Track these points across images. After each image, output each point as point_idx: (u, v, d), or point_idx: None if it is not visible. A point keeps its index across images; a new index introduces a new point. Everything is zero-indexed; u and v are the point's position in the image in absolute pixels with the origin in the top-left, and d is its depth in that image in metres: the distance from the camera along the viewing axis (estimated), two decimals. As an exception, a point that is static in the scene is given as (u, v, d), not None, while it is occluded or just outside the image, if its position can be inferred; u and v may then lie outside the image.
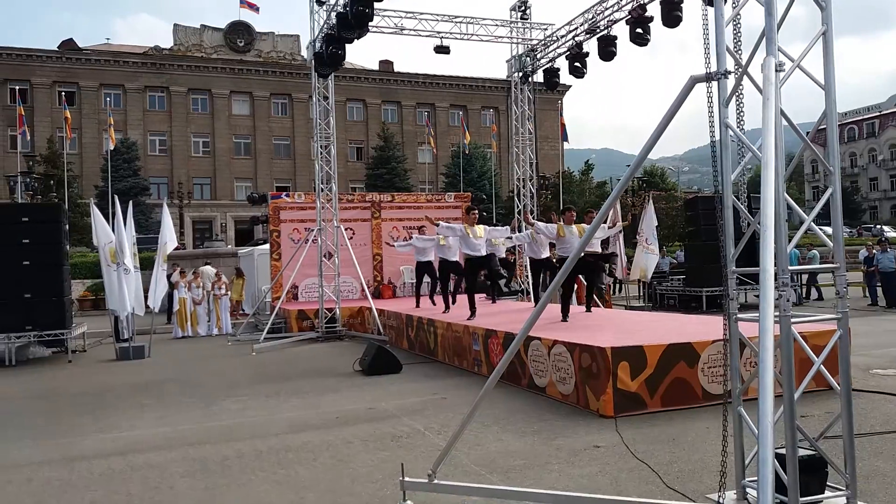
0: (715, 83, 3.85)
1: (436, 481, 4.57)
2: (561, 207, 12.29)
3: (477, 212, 12.08)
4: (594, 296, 12.07)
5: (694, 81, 3.85)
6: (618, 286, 23.68)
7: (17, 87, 44.98)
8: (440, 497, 4.63)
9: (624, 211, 25.64)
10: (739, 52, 3.88)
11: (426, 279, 14.44)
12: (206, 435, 6.73)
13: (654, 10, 13.38)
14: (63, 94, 41.96)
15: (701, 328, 8.46)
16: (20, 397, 9.45)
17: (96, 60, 51.42)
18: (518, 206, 18.16)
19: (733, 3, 3.91)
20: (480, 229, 11.59)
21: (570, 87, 55.87)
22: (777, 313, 3.52)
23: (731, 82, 3.87)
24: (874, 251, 18.58)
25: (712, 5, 3.85)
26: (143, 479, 5.39)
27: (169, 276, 16.31)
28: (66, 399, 9.13)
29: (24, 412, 8.33)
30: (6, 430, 7.32)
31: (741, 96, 3.91)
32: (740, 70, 3.82)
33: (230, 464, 5.70)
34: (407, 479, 4.60)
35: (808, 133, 3.73)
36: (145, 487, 5.17)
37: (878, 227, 51.30)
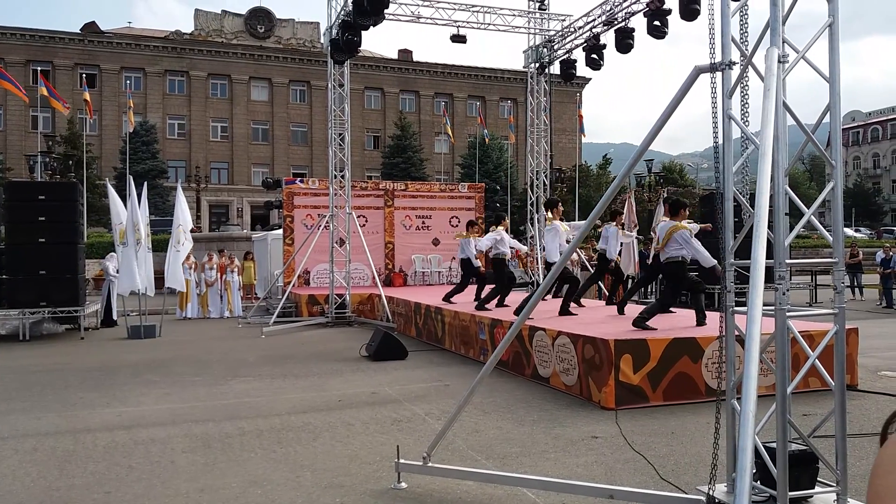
0: (719, 74, 3.83)
1: (430, 464, 4.61)
2: (552, 199, 12.24)
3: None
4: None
5: (698, 72, 3.83)
6: (629, 282, 23.56)
7: (40, 69, 45.41)
8: (434, 480, 4.67)
9: (639, 206, 25.49)
10: (746, 43, 3.84)
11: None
12: (210, 413, 6.82)
13: (672, 2, 13.31)
14: (84, 76, 42.24)
15: (708, 324, 8.42)
16: (32, 371, 9.60)
17: (118, 44, 51.76)
18: (531, 199, 18.12)
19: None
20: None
21: (589, 80, 55.52)
22: (772, 307, 3.51)
23: (736, 73, 3.85)
24: (891, 253, 18.41)
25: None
26: (145, 452, 5.48)
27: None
28: (76, 374, 9.27)
29: (35, 385, 8.47)
30: (16, 403, 7.46)
31: (746, 88, 3.87)
32: (745, 61, 3.79)
33: (231, 441, 5.78)
34: (402, 461, 4.65)
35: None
36: (147, 461, 5.26)
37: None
